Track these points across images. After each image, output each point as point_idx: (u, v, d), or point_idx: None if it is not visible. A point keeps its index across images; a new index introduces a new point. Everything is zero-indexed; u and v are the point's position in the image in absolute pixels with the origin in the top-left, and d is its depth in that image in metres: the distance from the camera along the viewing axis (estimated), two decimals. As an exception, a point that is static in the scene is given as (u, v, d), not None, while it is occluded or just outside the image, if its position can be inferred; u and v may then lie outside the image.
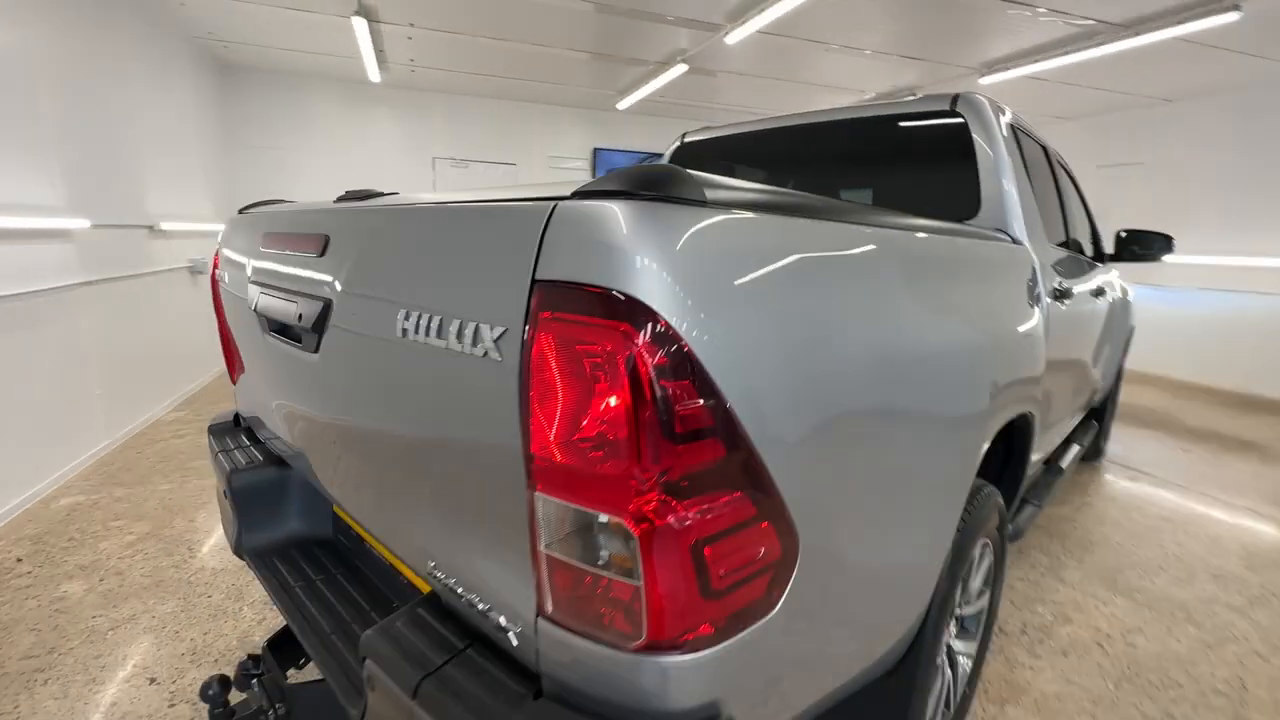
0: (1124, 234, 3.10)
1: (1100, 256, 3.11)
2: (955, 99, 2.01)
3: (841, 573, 0.91)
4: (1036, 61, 5.20)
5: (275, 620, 2.16)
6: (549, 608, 0.72)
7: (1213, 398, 6.06)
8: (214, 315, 1.77)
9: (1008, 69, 5.42)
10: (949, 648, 1.57)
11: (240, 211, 1.70)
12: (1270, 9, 4.05)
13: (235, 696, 1.32)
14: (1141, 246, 3.08)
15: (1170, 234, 3.12)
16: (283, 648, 1.50)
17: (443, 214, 0.84)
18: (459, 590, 0.86)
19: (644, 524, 0.62)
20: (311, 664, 1.63)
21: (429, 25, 4.97)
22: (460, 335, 0.72)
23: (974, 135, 1.96)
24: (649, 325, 0.61)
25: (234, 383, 1.78)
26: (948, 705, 1.63)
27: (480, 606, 0.82)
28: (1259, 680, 2.02)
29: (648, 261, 0.62)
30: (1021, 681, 1.98)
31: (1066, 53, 4.92)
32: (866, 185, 2.43)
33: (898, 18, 4.52)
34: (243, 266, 1.42)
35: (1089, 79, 5.85)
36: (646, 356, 0.60)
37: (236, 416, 1.86)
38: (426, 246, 0.82)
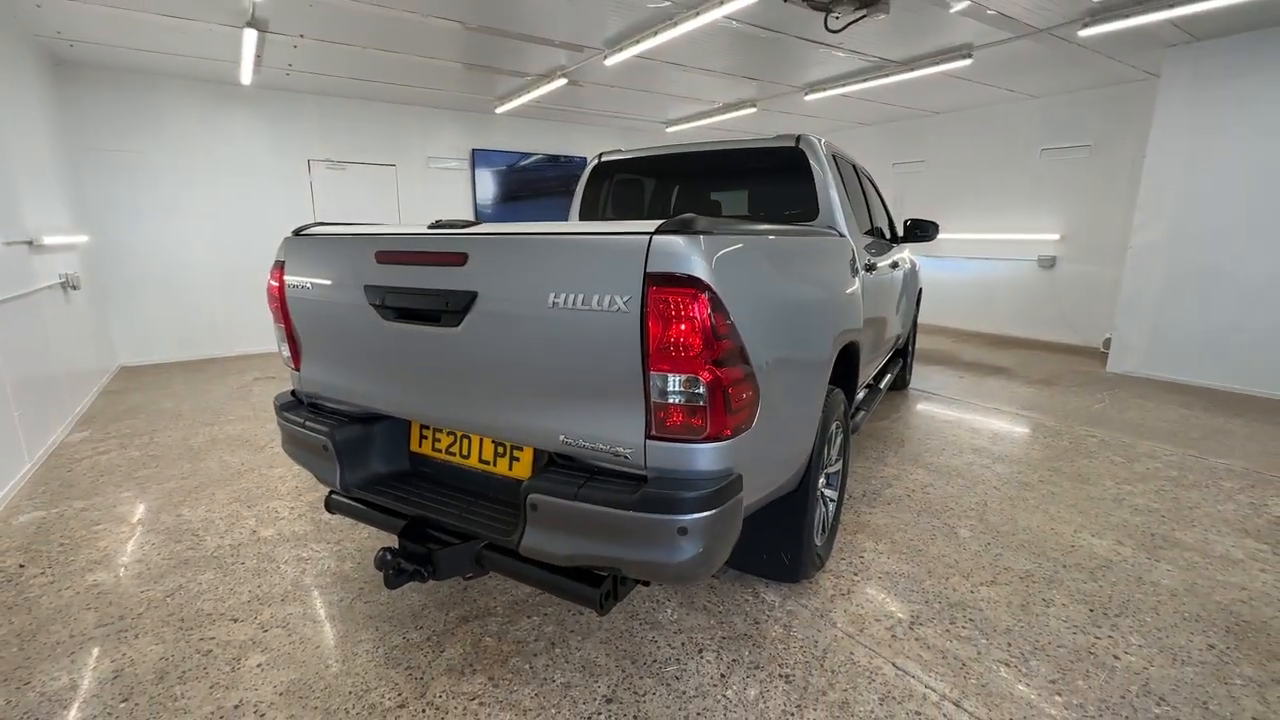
0: (909, 221, 4.36)
1: (895, 238, 4.35)
2: (798, 139, 2.96)
3: (776, 416, 1.75)
4: (845, 85, 6.60)
5: (316, 554, 2.61)
6: (654, 431, 1.47)
7: (979, 339, 8.06)
8: (278, 320, 2.20)
9: (825, 90, 6.78)
10: (822, 492, 2.52)
11: (296, 234, 2.17)
12: (991, 56, 5.68)
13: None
14: (921, 230, 4.36)
15: (937, 221, 4.45)
16: (406, 537, 1.99)
17: (578, 240, 1.52)
18: (584, 444, 1.57)
19: (708, 376, 1.40)
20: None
21: (319, 36, 5.14)
22: (601, 302, 1.43)
23: (811, 163, 2.93)
24: (703, 289, 1.38)
25: (297, 369, 2.23)
26: (824, 529, 2.59)
27: (602, 447, 1.54)
28: (996, 501, 3.27)
29: (698, 260, 1.39)
30: (864, 521, 3.04)
31: (865, 80, 6.35)
32: (741, 193, 3.35)
33: (739, 49, 5.58)
34: (346, 276, 1.93)
35: (882, 98, 7.46)
36: (703, 303, 1.38)
37: (295, 395, 2.31)
38: (566, 258, 1.50)
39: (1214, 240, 5.48)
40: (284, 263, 2.14)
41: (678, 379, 1.42)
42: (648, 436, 1.49)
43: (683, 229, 1.43)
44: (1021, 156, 7.84)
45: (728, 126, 9.23)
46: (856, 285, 2.73)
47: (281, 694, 1.91)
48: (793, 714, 1.84)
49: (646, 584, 1.92)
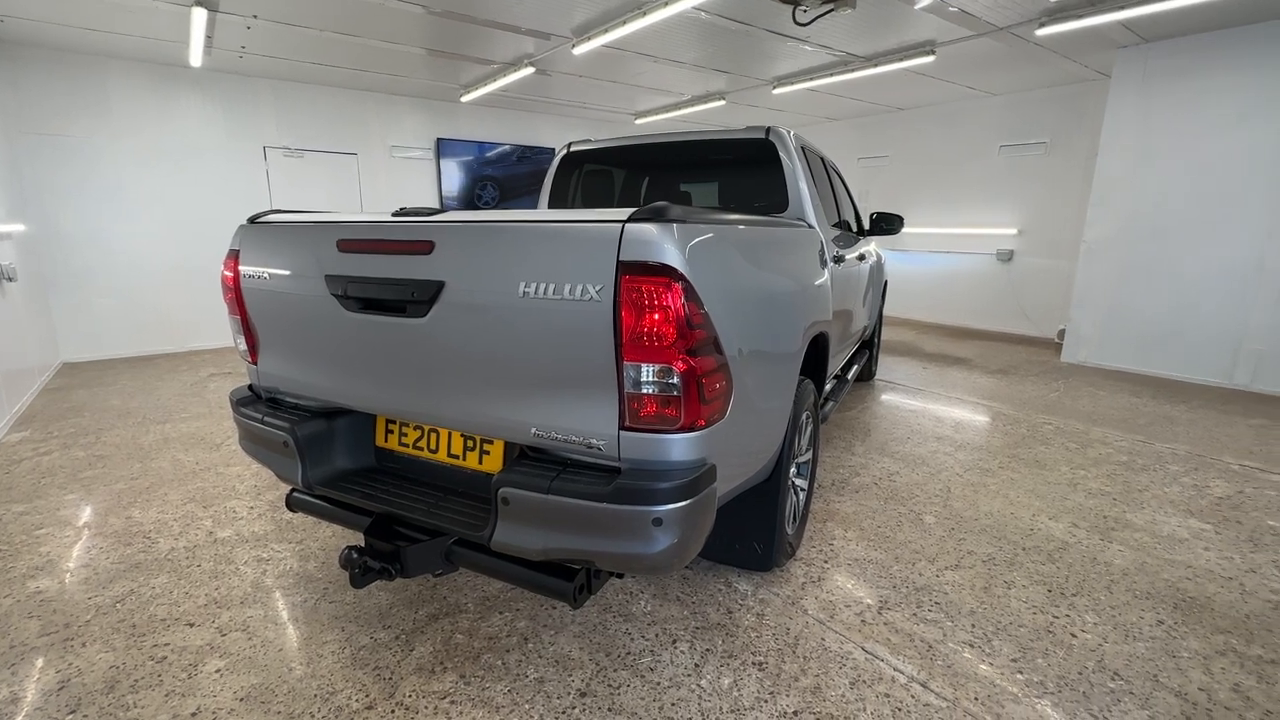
0: (875, 215, 4.43)
1: (862, 231, 4.41)
2: (768, 130, 2.96)
3: (749, 406, 1.75)
4: (812, 79, 6.66)
5: (277, 555, 2.52)
6: (628, 421, 1.45)
7: (940, 331, 8.27)
8: (233, 312, 2.10)
9: (793, 83, 6.82)
10: (793, 482, 2.54)
11: (251, 222, 2.08)
12: (953, 54, 5.80)
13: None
14: (886, 223, 4.43)
15: (902, 215, 4.53)
16: (373, 535, 1.92)
17: (549, 228, 1.48)
18: (556, 436, 1.54)
19: (682, 366, 1.39)
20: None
21: (273, 18, 4.94)
22: (573, 291, 1.40)
23: (780, 154, 2.94)
24: (676, 278, 1.36)
25: (255, 363, 2.14)
26: (795, 518, 2.62)
27: (575, 439, 1.52)
28: (959, 487, 3.36)
29: (672, 248, 1.37)
30: (833, 509, 3.08)
31: (832, 74, 6.41)
32: (711, 184, 3.35)
33: (709, 40, 5.57)
34: (306, 266, 1.85)
35: (848, 93, 7.55)
36: (677, 292, 1.36)
37: (252, 390, 2.22)
38: (537, 247, 1.46)
39: (1160, 235, 5.72)
40: (239, 252, 2.05)
41: (651, 369, 1.40)
42: (621, 427, 1.47)
43: (656, 217, 1.41)
44: (981, 153, 8.04)
45: (696, 119, 9.24)
46: (826, 277, 2.75)
47: (242, 699, 1.84)
48: (766, 700, 1.86)
49: (620, 576, 1.91)
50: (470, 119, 8.55)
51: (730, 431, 1.63)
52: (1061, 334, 7.21)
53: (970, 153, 8.16)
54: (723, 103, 7.93)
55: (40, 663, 1.99)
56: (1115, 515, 3.06)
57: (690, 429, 1.46)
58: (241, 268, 2.04)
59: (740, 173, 3.18)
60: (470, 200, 8.77)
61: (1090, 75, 6.65)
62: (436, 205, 8.54)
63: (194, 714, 1.79)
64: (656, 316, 1.37)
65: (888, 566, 2.58)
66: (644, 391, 1.42)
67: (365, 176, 7.85)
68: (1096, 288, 6.18)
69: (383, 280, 1.68)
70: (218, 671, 1.96)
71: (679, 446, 1.47)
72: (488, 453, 1.84)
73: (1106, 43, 5.54)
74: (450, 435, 1.90)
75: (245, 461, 3.67)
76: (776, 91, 7.13)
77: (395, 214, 1.81)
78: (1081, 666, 2.01)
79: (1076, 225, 6.95)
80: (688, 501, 1.45)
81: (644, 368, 1.40)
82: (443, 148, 8.37)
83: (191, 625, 2.18)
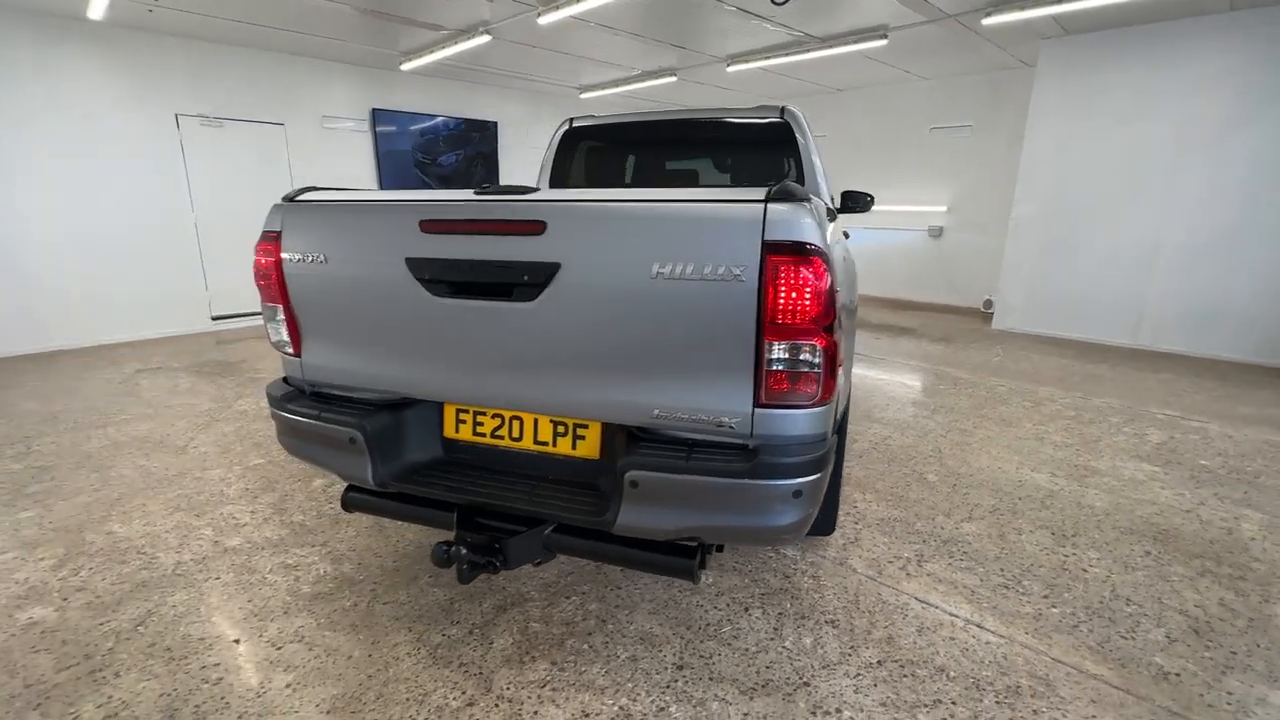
0: (844, 193, 4.61)
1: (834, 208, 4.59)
2: (783, 110, 3.02)
3: (845, 370, 1.83)
4: (767, 58, 6.77)
5: (304, 560, 2.36)
6: (763, 399, 1.48)
7: (878, 303, 8.79)
8: (272, 301, 1.91)
9: (748, 62, 6.91)
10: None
11: (291, 200, 1.89)
12: (903, 38, 6.09)
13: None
14: (854, 201, 4.62)
15: (872, 193, 4.74)
16: (466, 528, 1.84)
17: (684, 209, 1.44)
18: (681, 416, 1.55)
19: (823, 342, 1.43)
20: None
21: (202, -32, 4.40)
22: (714, 271, 1.40)
23: (795, 134, 3.01)
24: (821, 256, 1.40)
25: (298, 355, 1.97)
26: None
27: (703, 418, 1.53)
28: (948, 447, 3.64)
29: (813, 226, 1.40)
30: (846, 474, 3.26)
31: (788, 54, 6.55)
32: (726, 164, 3.37)
33: (669, 16, 5.53)
34: (379, 248, 1.71)
35: (796, 73, 7.75)
36: (820, 271, 1.40)
37: (288, 383, 2.04)
38: (673, 227, 1.44)
39: (1078, 214, 6.35)
40: (280, 234, 1.86)
41: (793, 346, 1.43)
42: (756, 405, 1.49)
43: (792, 196, 1.43)
44: (914, 134, 8.53)
45: (644, 95, 9.16)
46: (844, 252, 2.87)
47: (329, 712, 1.74)
48: (849, 654, 1.98)
49: (721, 549, 1.95)
50: (407, 89, 8.02)
51: (838, 396, 1.70)
52: (988, 304, 7.87)
53: (904, 134, 8.63)
54: (674, 79, 7.91)
55: (71, 700, 1.77)
56: (1083, 464, 3.44)
57: (823, 403, 1.51)
58: (285, 253, 1.86)
59: (754, 151, 3.22)
60: (422, 173, 8.27)
61: (1013, 64, 7.19)
62: (374, 184, 8.01)
63: (281, 733, 1.67)
64: (806, 295, 1.40)
65: (911, 524, 2.78)
66: (783, 369, 1.45)
67: (295, 149, 7.21)
68: (1023, 260, 6.79)
69: (484, 263, 1.60)
70: (288, 686, 1.83)
71: (811, 421, 1.52)
72: (582, 438, 1.80)
73: (1033, 33, 6.01)
74: (537, 421, 1.84)
75: (225, 464, 3.36)
76: (731, 69, 7.20)
77: (478, 192, 1.71)
78: (1100, 596, 2.28)
79: (999, 203, 7.57)
80: (821, 473, 1.50)
81: (786, 345, 1.43)
82: (378, 118, 7.82)
83: (238, 642, 2.01)
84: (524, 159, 9.34)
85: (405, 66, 7.25)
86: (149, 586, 2.30)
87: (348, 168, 7.73)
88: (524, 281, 1.57)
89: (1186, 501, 3.02)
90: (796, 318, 1.42)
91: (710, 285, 1.43)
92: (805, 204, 1.43)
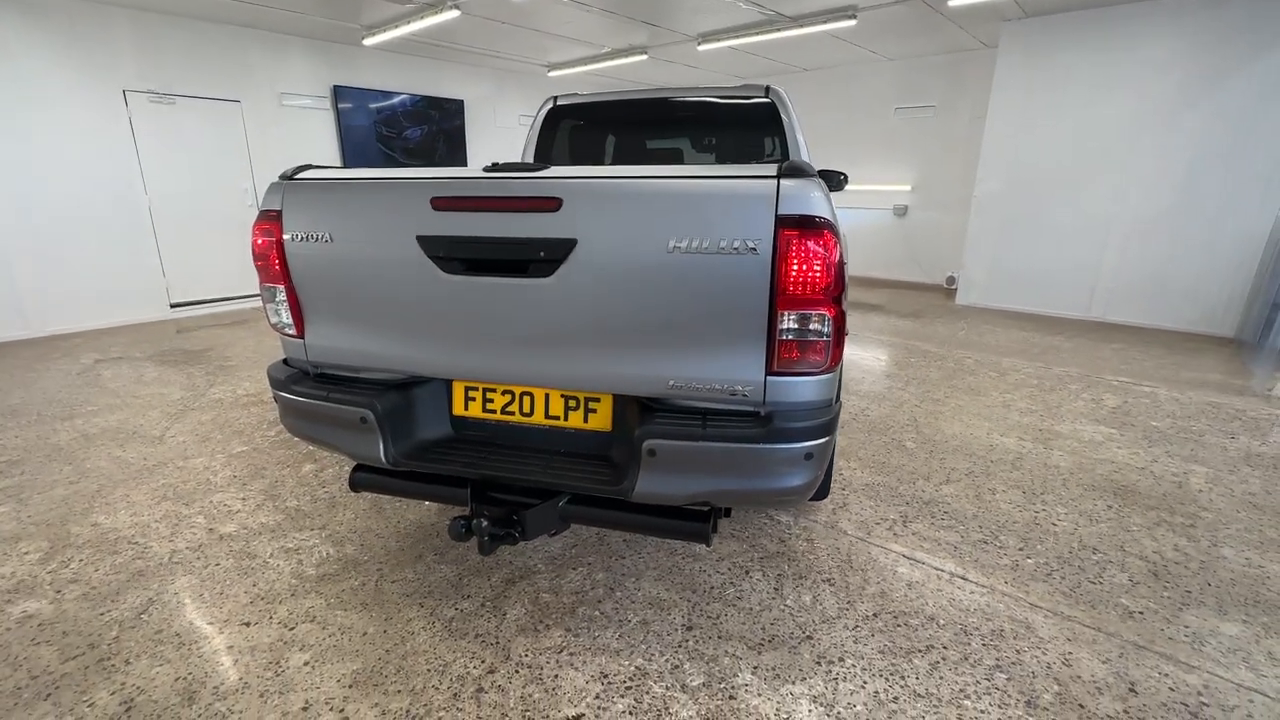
0: (820, 171, 4.72)
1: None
2: (767, 89, 3.07)
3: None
4: (737, 37, 6.79)
5: (305, 543, 2.36)
6: (775, 367, 1.55)
7: (851, 281, 8.99)
8: (273, 281, 1.88)
9: (718, 40, 6.92)
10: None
11: (289, 178, 1.86)
12: (871, 19, 6.18)
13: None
14: (829, 180, 4.73)
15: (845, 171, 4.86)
16: (481, 501, 1.88)
17: (697, 184, 1.48)
18: (696, 386, 1.61)
19: (833, 312, 1.50)
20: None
21: (153, -67, 4.16)
22: (729, 245, 1.45)
23: (780, 114, 3.07)
24: (830, 229, 1.46)
25: (300, 337, 1.95)
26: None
27: (717, 387, 1.59)
28: (922, 416, 3.82)
29: (823, 200, 1.47)
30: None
31: (759, 33, 6.58)
32: (711, 143, 3.41)
33: (648, -8, 5.50)
34: (389, 226, 1.70)
35: (766, 53, 7.79)
36: (830, 244, 1.46)
37: (289, 364, 2.02)
38: (688, 203, 1.48)
39: (1037, 192, 6.61)
40: (280, 213, 1.83)
41: (804, 316, 1.51)
42: (768, 373, 1.56)
43: (801, 173, 1.49)
44: (879, 114, 8.69)
45: (613, 74, 9.07)
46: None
47: (351, 685, 1.77)
48: (847, 609, 2.10)
49: (728, 514, 2.03)
50: (370, 65, 7.76)
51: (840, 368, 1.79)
52: (950, 280, 8.16)
53: (869, 114, 8.79)
54: (644, 57, 7.85)
55: (82, 688, 1.75)
56: (1046, 428, 3.65)
57: (830, 370, 1.59)
58: (286, 233, 1.83)
59: (740, 130, 3.27)
60: (386, 147, 8.04)
61: (974, 45, 7.38)
62: (338, 162, 7.75)
63: (305, 708, 1.69)
64: (816, 266, 1.46)
65: (894, 488, 2.93)
66: (794, 338, 1.53)
67: (252, 128, 6.92)
68: (985, 237, 7.05)
69: (499, 240, 1.61)
70: (306, 664, 1.85)
71: (819, 387, 1.60)
72: (594, 411, 1.85)
73: (997, 15, 6.19)
74: (548, 396, 1.88)
75: (208, 452, 3.29)
76: (701, 48, 7.19)
77: (487, 169, 1.72)
78: (1069, 547, 2.46)
79: (960, 182, 7.81)
80: (829, 436, 1.59)
81: (797, 315, 1.50)
82: (339, 95, 7.56)
83: (248, 624, 2.01)
84: (493, 138, 9.17)
85: (368, 41, 7.02)
86: (146, 575, 2.26)
87: (310, 146, 7.47)
88: (540, 258, 1.59)
89: (1141, 459, 3.26)
90: (808, 289, 1.48)
91: (725, 258, 1.48)
92: (815, 179, 1.50)
